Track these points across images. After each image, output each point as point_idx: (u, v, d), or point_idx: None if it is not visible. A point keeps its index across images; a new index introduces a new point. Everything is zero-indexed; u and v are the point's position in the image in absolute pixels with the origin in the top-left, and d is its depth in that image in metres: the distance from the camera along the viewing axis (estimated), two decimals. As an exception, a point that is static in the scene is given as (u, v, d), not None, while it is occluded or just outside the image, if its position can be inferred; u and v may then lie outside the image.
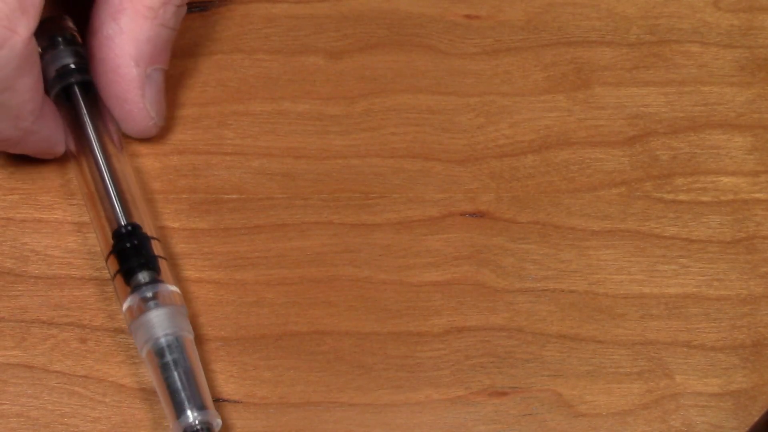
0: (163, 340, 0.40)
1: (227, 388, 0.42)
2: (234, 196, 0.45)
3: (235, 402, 0.42)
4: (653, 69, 0.49)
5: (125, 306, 0.41)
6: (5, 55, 0.38)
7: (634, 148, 0.47)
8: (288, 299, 0.44)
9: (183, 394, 0.39)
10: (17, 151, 0.44)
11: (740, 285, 0.45)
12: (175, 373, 0.40)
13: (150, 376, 0.41)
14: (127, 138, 0.46)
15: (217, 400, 0.42)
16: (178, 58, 0.48)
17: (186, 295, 0.43)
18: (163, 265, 0.42)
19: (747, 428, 0.42)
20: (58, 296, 0.43)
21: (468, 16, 0.50)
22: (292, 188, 0.46)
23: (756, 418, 0.42)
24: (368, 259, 0.44)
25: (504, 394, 0.42)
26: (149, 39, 0.44)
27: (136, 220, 0.43)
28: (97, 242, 0.44)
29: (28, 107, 0.41)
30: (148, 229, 0.43)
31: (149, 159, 0.46)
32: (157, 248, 0.43)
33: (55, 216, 0.45)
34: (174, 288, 0.42)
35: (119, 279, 0.42)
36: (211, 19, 0.49)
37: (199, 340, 0.43)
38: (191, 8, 0.49)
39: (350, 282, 0.44)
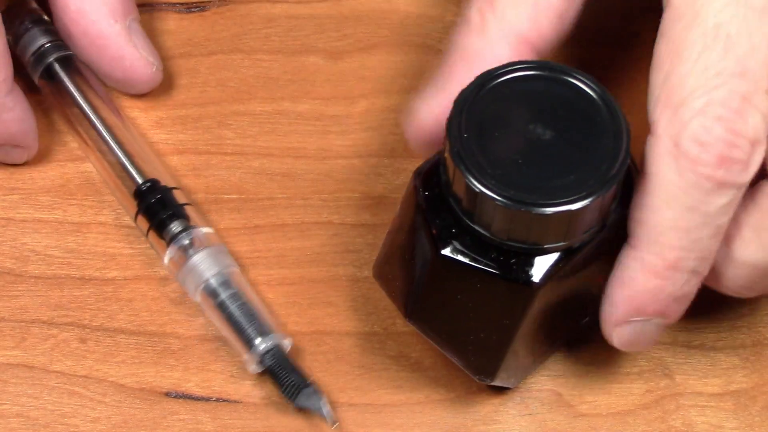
0: (212, 281, 0.42)
1: (227, 388, 0.42)
2: (234, 196, 0.45)
3: (235, 402, 0.42)
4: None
5: (166, 259, 0.43)
6: None
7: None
8: (288, 299, 0.44)
9: (247, 327, 0.41)
10: None
11: (740, 285, 0.45)
12: (233, 309, 0.41)
13: (211, 319, 0.42)
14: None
15: (217, 400, 0.42)
16: (179, 58, 0.48)
17: (185, 295, 0.43)
18: (190, 210, 0.43)
19: (747, 428, 0.42)
20: (58, 296, 0.43)
21: (468, 16, 0.50)
22: (292, 188, 0.46)
23: (756, 418, 0.42)
24: (368, 259, 0.44)
25: (504, 394, 0.42)
26: None
27: (153, 175, 0.44)
28: (124, 209, 0.44)
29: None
30: (166, 181, 0.44)
31: (149, 159, 0.46)
32: (180, 197, 0.43)
33: (55, 216, 0.45)
34: (207, 229, 0.43)
35: (153, 235, 0.43)
36: (211, 19, 0.49)
37: (199, 339, 0.43)
38: (191, 8, 0.49)
39: (350, 282, 0.44)
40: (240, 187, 0.46)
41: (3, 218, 0.45)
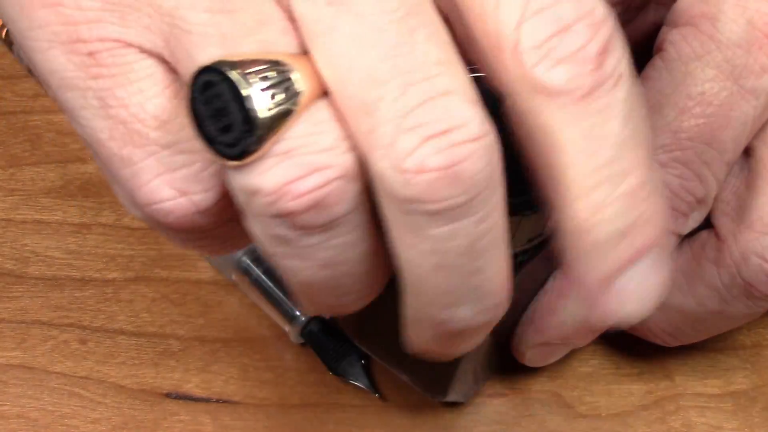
0: (245, 258, 0.43)
1: (228, 389, 0.42)
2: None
3: (236, 403, 0.42)
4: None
5: None
6: None
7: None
8: (288, 300, 0.44)
9: (287, 299, 0.42)
10: None
11: (740, 286, 0.45)
12: (270, 284, 0.42)
13: (248, 296, 0.43)
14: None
15: (218, 401, 0.42)
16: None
17: (186, 296, 0.43)
18: None
19: (747, 429, 0.42)
20: (59, 297, 0.43)
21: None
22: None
23: (756, 419, 0.42)
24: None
25: (504, 395, 0.42)
26: None
27: None
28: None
29: None
30: None
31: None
32: None
33: (56, 217, 0.45)
34: None
35: None
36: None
37: (199, 340, 0.43)
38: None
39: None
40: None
41: (3, 219, 0.45)
